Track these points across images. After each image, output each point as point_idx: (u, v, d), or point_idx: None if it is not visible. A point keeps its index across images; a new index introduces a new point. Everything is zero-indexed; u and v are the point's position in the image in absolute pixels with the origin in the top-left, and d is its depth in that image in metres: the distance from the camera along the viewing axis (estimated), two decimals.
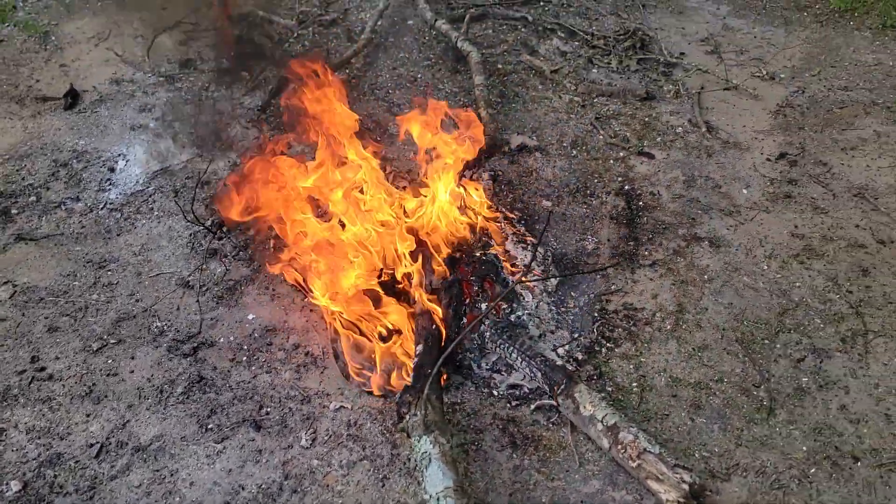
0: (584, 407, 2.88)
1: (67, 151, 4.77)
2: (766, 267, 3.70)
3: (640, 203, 4.15)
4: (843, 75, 5.18)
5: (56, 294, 3.72)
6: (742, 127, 4.75)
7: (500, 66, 5.37)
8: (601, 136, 4.68)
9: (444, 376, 3.11)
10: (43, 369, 3.31)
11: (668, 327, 3.40)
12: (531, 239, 3.77)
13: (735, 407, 3.04)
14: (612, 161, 4.48)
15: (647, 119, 4.86)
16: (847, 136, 4.57)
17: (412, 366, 2.98)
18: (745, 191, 4.22)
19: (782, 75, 5.25)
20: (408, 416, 2.74)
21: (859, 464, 2.80)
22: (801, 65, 5.36)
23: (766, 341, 3.31)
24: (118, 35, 5.90)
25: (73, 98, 5.26)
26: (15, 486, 2.81)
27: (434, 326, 3.10)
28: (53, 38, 6.05)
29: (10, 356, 3.38)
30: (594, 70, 5.39)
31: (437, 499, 2.47)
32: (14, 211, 4.30)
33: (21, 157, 4.74)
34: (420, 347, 3.02)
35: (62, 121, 5.06)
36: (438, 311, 3.16)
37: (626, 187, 4.26)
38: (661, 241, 3.88)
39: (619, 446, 2.75)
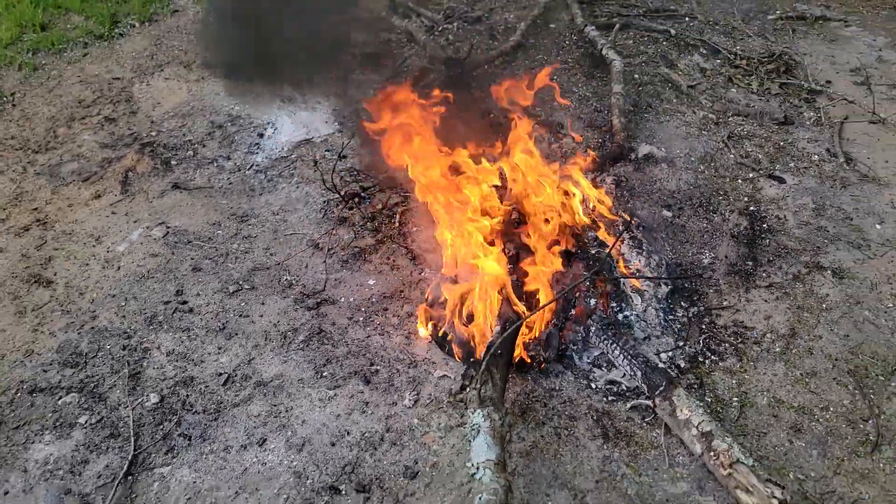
0: (681, 410, 2.92)
1: (224, 115, 5.23)
2: (891, 305, 3.58)
3: (765, 225, 4.10)
4: None
5: (202, 239, 4.11)
6: (885, 162, 4.57)
7: (636, 76, 5.40)
8: (732, 155, 4.64)
9: (517, 358, 3.21)
10: (185, 302, 3.68)
11: (778, 349, 3.37)
12: (647, 245, 3.82)
13: (838, 436, 2.98)
14: (739, 181, 4.44)
15: (781, 143, 4.77)
16: None
17: (486, 344, 3.12)
18: (878, 226, 4.08)
19: None
20: (468, 389, 2.88)
21: None
22: None
23: (881, 378, 3.21)
24: None
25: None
26: (154, 398, 3.17)
27: (514, 311, 3.23)
28: None
29: (159, 287, 3.78)
30: (733, 89, 5.33)
31: (477, 468, 2.56)
32: (174, 162, 4.77)
33: (184, 115, 5.24)
34: (498, 329, 3.16)
35: (222, 87, 5.52)
36: (517, 301, 3.28)
37: (752, 208, 4.22)
38: (781, 265, 3.82)
39: (712, 453, 2.77)
